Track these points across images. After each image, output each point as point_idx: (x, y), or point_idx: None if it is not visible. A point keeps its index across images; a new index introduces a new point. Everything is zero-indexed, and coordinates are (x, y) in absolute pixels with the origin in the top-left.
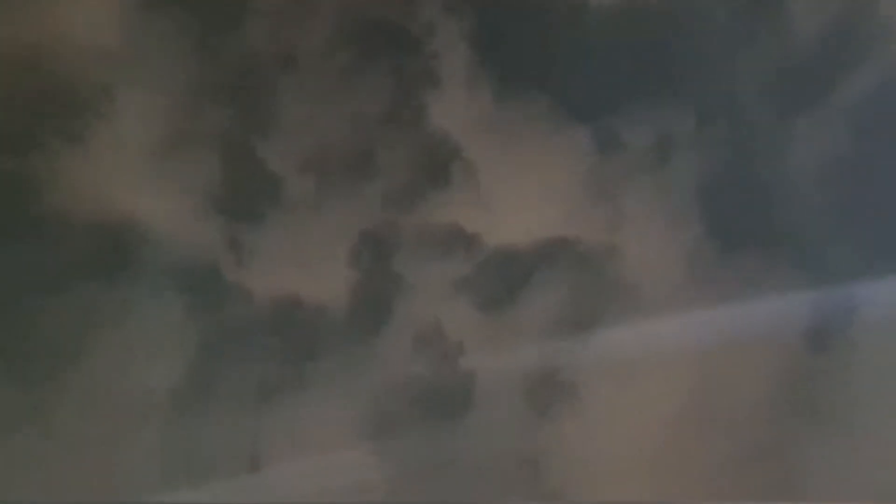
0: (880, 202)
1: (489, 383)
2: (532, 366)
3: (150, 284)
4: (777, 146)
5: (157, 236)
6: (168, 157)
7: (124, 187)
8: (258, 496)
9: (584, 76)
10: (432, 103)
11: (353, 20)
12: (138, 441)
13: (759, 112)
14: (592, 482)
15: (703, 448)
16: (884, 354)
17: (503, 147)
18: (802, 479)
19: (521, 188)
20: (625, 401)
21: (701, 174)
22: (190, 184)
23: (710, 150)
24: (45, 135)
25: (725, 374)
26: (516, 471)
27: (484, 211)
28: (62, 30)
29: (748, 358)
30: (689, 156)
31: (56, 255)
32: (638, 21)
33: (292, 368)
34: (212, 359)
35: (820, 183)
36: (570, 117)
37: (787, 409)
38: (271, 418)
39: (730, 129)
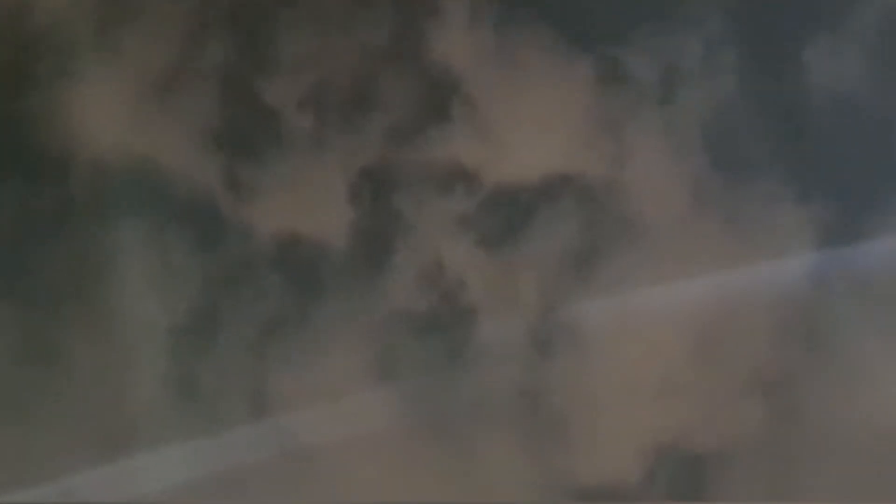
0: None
1: (491, 320)
2: (534, 302)
3: (149, 221)
4: (787, 75)
5: (156, 173)
6: (166, 92)
7: (122, 124)
8: (265, 446)
9: (589, 5)
10: (432, 35)
11: None
12: (141, 379)
13: (769, 40)
14: (594, 417)
15: (707, 382)
16: (888, 286)
17: (505, 79)
18: (805, 412)
19: (524, 122)
20: (628, 336)
21: (707, 105)
22: (188, 120)
23: (717, 81)
24: (40, 73)
25: (730, 308)
26: (518, 407)
27: (485, 146)
28: None
29: (753, 292)
30: (696, 86)
31: (54, 193)
32: None
33: (295, 307)
34: (213, 296)
35: (832, 114)
36: (573, 48)
37: (791, 343)
38: (275, 357)
39: (738, 59)
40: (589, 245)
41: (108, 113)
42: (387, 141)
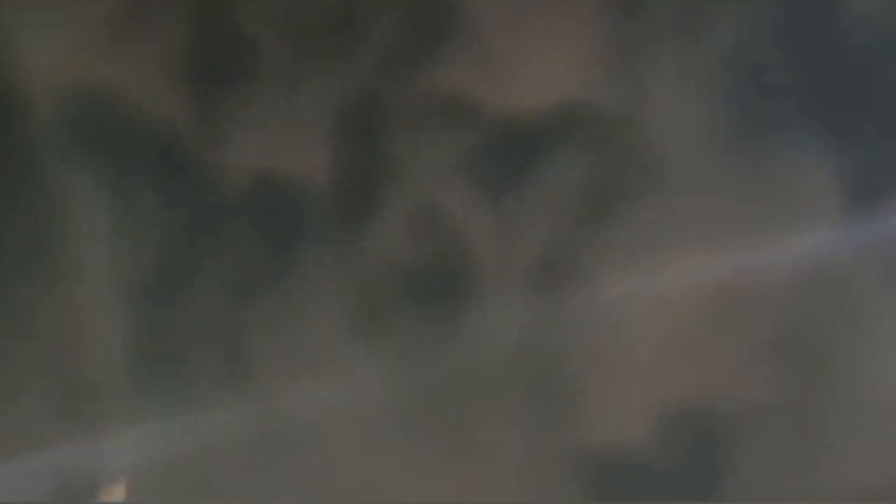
0: None
1: (491, 271)
2: (537, 251)
3: (117, 162)
4: (818, 12)
5: (119, 109)
6: (135, 22)
7: (87, 57)
8: (242, 411)
9: None
10: None
11: None
12: (105, 338)
13: None
14: (601, 378)
15: (722, 340)
16: None
17: (510, 3)
18: (828, 378)
19: (530, 52)
20: (640, 288)
21: (730, 42)
22: (159, 51)
23: (740, 15)
24: None
25: (751, 267)
26: (521, 372)
27: (487, 76)
28: None
29: (776, 250)
30: (717, 21)
31: (18, 136)
32: None
33: (272, 258)
34: (184, 243)
35: (875, 56)
36: None
37: (815, 306)
38: (253, 311)
39: None
40: (601, 192)
41: (71, 46)
42: (375, 70)
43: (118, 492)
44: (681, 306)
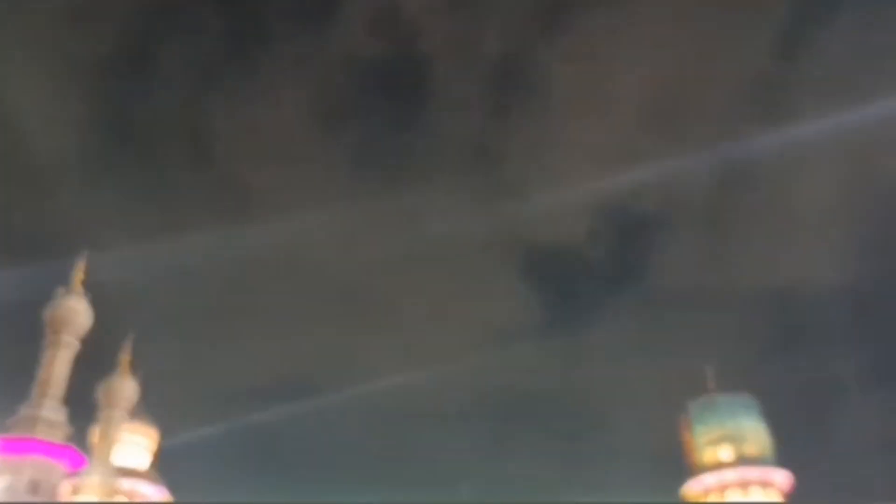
0: None
1: (448, 70)
2: (495, 53)
3: None
4: None
5: None
6: None
7: None
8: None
9: None
10: None
11: None
12: (70, 117)
13: None
14: (550, 176)
15: (661, 149)
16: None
17: None
18: (753, 184)
19: None
20: (589, 98)
21: None
22: None
23: None
24: None
25: (689, 74)
26: (473, 163)
27: None
28: None
29: (722, 57)
30: None
31: None
32: None
33: (236, 49)
34: (145, 27)
35: None
36: None
37: (748, 114)
38: (218, 102)
39: None
40: None
41: None
42: None
43: None
44: (621, 114)
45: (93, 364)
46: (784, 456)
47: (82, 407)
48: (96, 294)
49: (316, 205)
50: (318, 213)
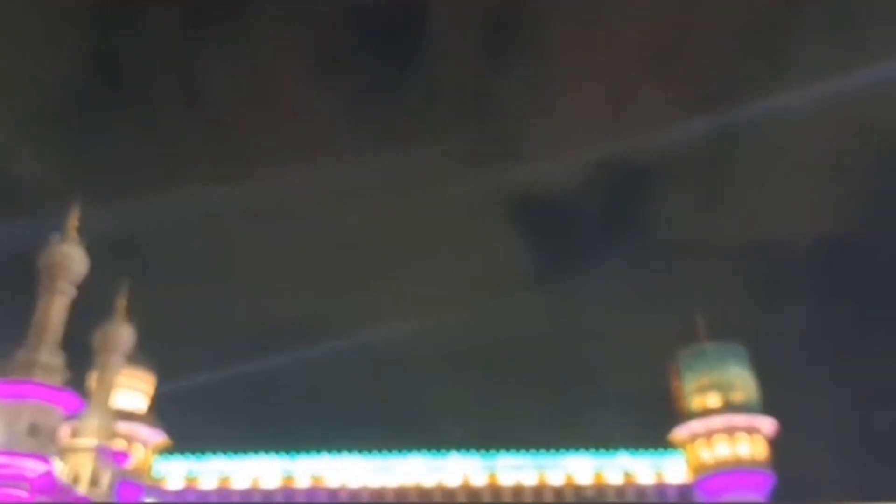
0: None
1: (445, 17)
2: (493, 1)
3: None
4: None
5: None
6: None
7: None
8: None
9: None
10: None
11: None
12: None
13: None
14: (546, 128)
15: (664, 95)
16: None
17: None
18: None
19: None
20: (588, 42)
21: None
22: None
23: None
24: None
25: (699, 12)
26: (468, 111)
27: None
28: None
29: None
30: None
31: None
32: None
33: None
34: None
35: None
36: None
37: (747, 62)
38: (208, 46)
39: None
40: None
41: None
42: None
43: None
44: (618, 63)
45: (89, 312)
46: (770, 403)
47: (80, 354)
48: (92, 241)
49: (312, 155)
50: (314, 165)
